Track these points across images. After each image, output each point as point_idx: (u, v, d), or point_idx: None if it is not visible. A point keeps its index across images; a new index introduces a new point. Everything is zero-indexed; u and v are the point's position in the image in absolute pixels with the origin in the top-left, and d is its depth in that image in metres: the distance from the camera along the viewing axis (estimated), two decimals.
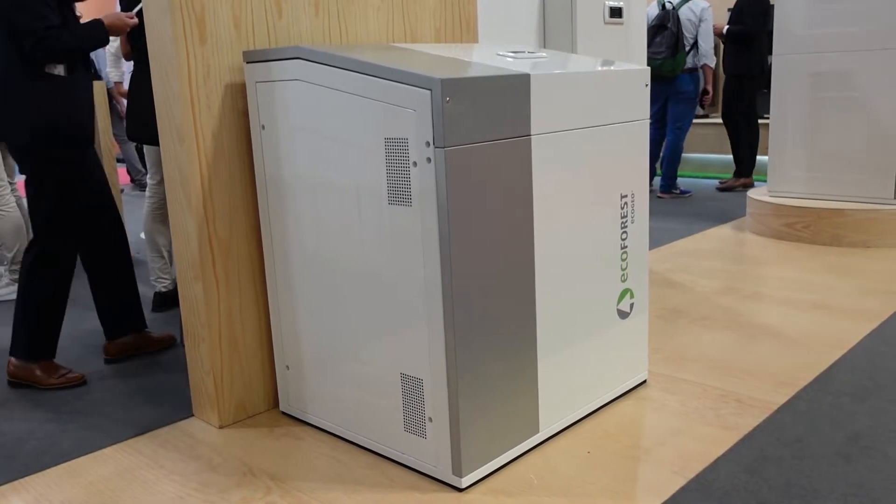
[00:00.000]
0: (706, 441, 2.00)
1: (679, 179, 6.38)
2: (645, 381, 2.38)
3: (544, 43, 3.09)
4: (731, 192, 5.97)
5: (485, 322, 1.79)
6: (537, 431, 1.99)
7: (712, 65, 5.81)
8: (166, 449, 2.10)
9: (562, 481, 1.84)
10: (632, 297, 2.25)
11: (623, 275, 2.20)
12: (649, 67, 2.21)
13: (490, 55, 2.07)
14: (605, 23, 3.10)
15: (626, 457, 1.94)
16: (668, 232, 4.59)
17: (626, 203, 2.17)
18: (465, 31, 2.74)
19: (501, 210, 1.79)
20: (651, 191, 5.90)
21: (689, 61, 5.73)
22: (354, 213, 1.88)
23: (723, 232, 4.52)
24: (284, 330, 2.19)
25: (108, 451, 2.11)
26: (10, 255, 3.83)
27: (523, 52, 2.18)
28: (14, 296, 3.85)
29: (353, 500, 1.79)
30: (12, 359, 2.60)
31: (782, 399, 2.22)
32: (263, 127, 2.07)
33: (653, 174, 5.99)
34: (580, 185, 2.00)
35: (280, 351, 2.23)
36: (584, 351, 2.10)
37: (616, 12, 3.11)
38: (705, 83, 5.92)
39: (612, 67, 2.09)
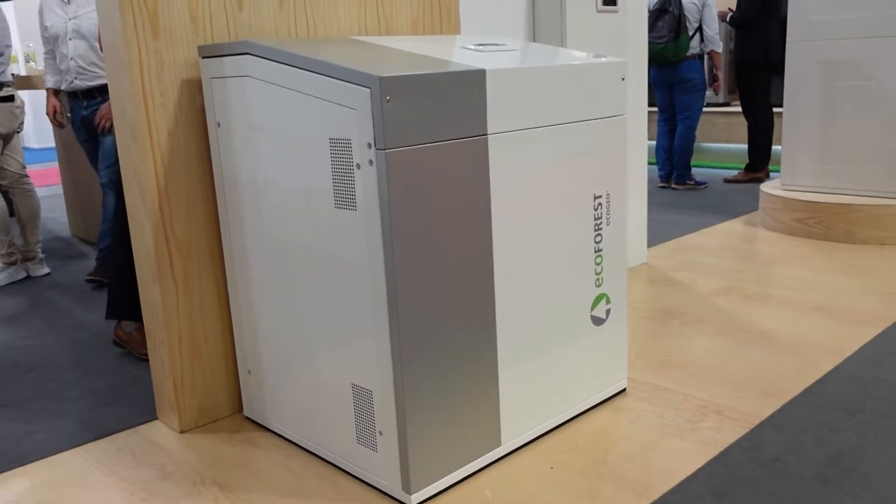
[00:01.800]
0: (678, 457, 1.89)
1: (695, 170, 6.20)
2: (624, 390, 2.27)
3: (533, 34, 2.97)
4: (745, 185, 5.78)
5: (437, 332, 1.70)
6: (499, 445, 1.90)
7: (719, 50, 5.62)
8: (123, 454, 2.06)
9: (519, 498, 1.75)
10: (608, 302, 2.15)
11: (598, 279, 2.10)
12: (626, 61, 2.08)
13: (455, 49, 1.97)
14: (598, 10, 2.96)
15: (591, 473, 1.84)
16: (676, 225, 4.44)
17: (599, 204, 2.06)
18: (446, 21, 2.63)
19: (454, 214, 1.69)
20: (663, 186, 5.73)
21: (696, 47, 5.55)
22: (304, 217, 1.80)
23: (733, 227, 4.36)
24: (245, 334, 2.13)
25: (65, 455, 2.07)
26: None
27: (494, 45, 2.07)
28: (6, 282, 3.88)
29: None
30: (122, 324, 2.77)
31: (766, 412, 2.10)
32: (219, 125, 2.00)
33: (667, 165, 5.81)
34: (546, 185, 1.90)
35: (242, 355, 2.17)
36: (554, 360, 2.00)
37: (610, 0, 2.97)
38: (715, 69, 5.74)
39: (585, 61, 1.98)
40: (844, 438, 1.94)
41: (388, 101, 1.53)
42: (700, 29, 5.55)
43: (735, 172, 6.11)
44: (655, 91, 5.87)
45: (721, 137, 7.63)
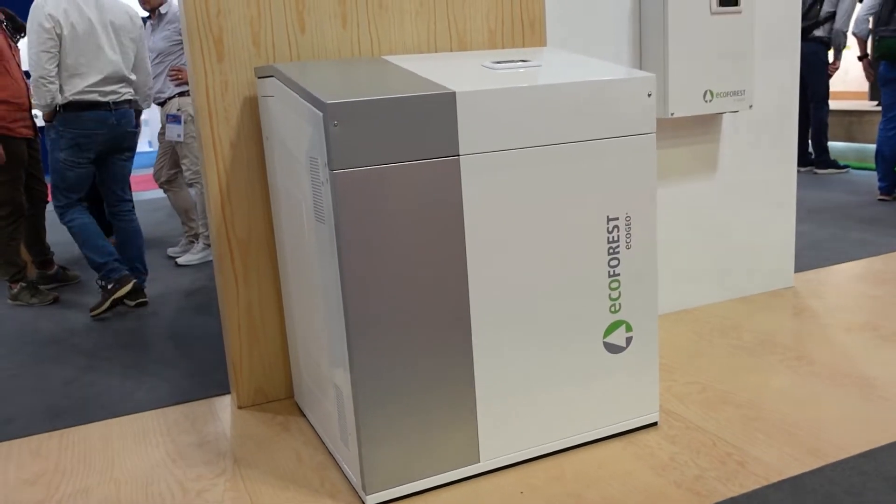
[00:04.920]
0: None
1: None
2: (655, 424, 2.13)
3: (640, 45, 2.81)
4: None
5: (395, 346, 1.77)
6: (477, 461, 1.92)
7: None
8: (186, 420, 2.39)
9: None
10: (628, 330, 2.03)
11: (613, 305, 2.00)
12: (652, 76, 1.94)
13: (464, 68, 1.99)
14: (714, 12, 2.72)
15: None
16: (869, 247, 3.90)
17: (615, 227, 1.96)
18: (529, 32, 2.62)
19: (421, 232, 1.74)
20: (883, 199, 4.99)
21: None
22: (302, 227, 1.96)
23: None
24: (289, 326, 2.35)
25: (145, 414, 2.46)
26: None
27: (517, 62, 2.05)
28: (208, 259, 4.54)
29: (273, 498, 1.90)
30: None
31: (795, 470, 1.86)
32: (267, 138, 2.23)
33: (892, 176, 5.05)
34: (539, 206, 1.86)
35: (291, 344, 2.39)
36: (550, 384, 1.95)
37: None
38: None
39: (598, 78, 1.89)
40: None
41: (335, 125, 1.63)
42: None
43: None
44: (884, 89, 5.15)
45: None
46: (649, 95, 1.94)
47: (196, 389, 2.63)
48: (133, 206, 3.85)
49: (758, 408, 2.20)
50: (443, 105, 1.72)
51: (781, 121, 3.15)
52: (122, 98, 3.61)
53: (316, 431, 2.23)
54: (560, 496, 1.82)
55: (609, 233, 1.96)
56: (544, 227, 1.88)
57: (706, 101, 2.80)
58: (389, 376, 1.78)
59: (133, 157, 3.84)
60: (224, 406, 2.48)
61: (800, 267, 3.58)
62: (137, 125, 3.80)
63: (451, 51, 2.50)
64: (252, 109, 2.31)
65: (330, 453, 2.10)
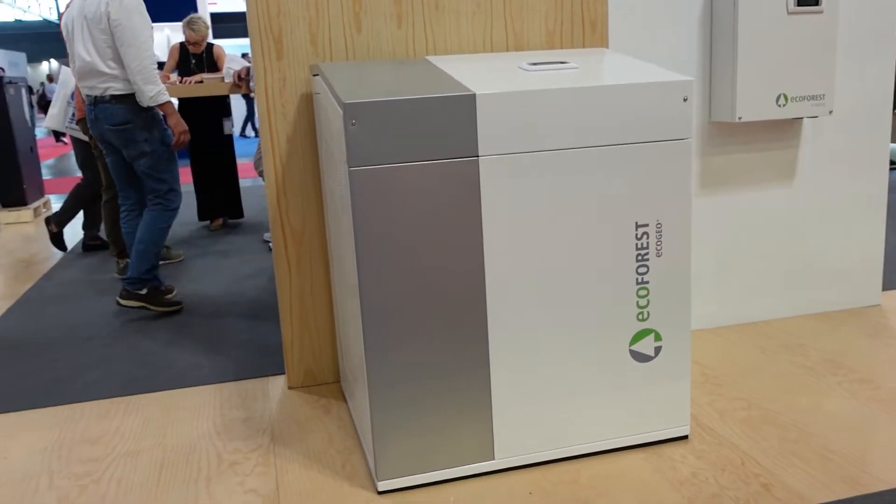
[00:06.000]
0: None
1: None
2: (686, 437, 2.08)
3: (710, 45, 2.70)
4: None
5: (409, 339, 1.82)
6: (491, 459, 1.94)
7: None
8: (239, 396, 2.54)
9: None
10: (658, 339, 1.99)
11: (641, 313, 1.96)
12: (690, 80, 1.88)
13: (500, 70, 2.01)
14: (790, 12, 2.58)
15: None
16: None
17: (644, 233, 1.92)
18: (590, 33, 2.59)
19: (437, 230, 1.78)
20: None
21: None
22: (339, 220, 2.05)
23: None
24: (337, 314, 2.45)
25: (204, 388, 2.63)
26: None
27: (555, 63, 2.05)
28: None
29: (297, 476, 2.00)
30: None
31: (820, 498, 1.76)
32: (318, 133, 2.33)
33: None
34: (562, 210, 1.85)
35: (338, 332, 2.49)
36: (569, 388, 1.95)
37: None
38: None
39: (631, 81, 1.86)
40: None
41: (353, 124, 1.70)
42: None
43: None
44: None
45: None
46: (685, 100, 1.89)
47: (257, 368, 2.79)
48: (159, 204, 3.51)
49: (801, 430, 2.10)
50: (463, 106, 1.75)
51: (872, 124, 2.95)
52: (103, 93, 3.34)
53: (351, 416, 2.32)
54: (568, 501, 1.81)
55: (637, 239, 1.92)
56: (567, 230, 1.87)
57: (779, 106, 2.67)
58: (403, 369, 1.83)
59: (142, 153, 3.42)
60: (277, 386, 2.62)
61: (892, 284, 3.34)
62: (128, 121, 3.36)
63: (507, 50, 2.52)
64: (308, 106, 2.42)
65: (359, 438, 2.18)
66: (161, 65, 5.95)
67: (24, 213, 6.53)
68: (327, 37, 2.39)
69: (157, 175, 3.48)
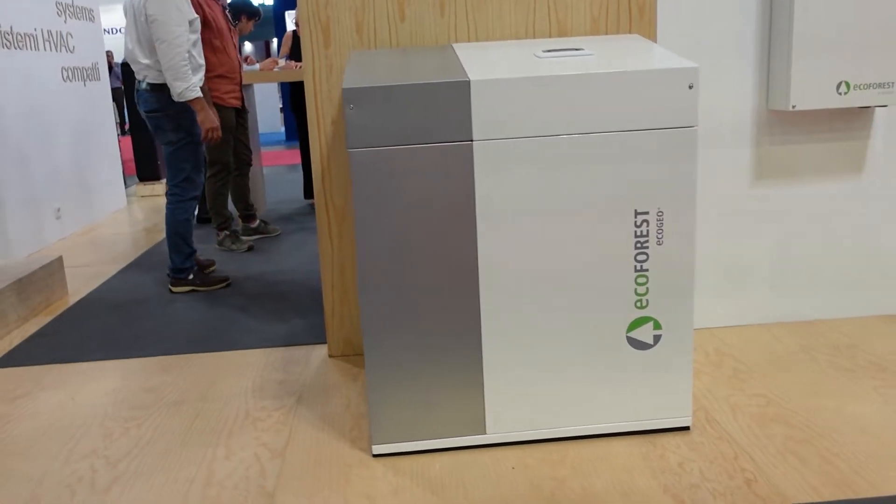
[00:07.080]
0: None
1: None
2: (687, 428, 2.06)
3: (769, 30, 2.59)
4: None
5: (403, 314, 1.92)
6: (483, 433, 2.02)
7: None
8: (282, 361, 2.75)
9: (454, 480, 1.88)
10: (657, 327, 1.98)
11: (640, 301, 1.96)
12: (695, 67, 1.85)
13: (510, 57, 2.06)
14: None
15: (536, 486, 1.84)
16: None
17: (645, 221, 1.92)
18: (637, 19, 2.56)
19: (431, 211, 1.87)
20: None
21: None
22: None
23: None
24: None
25: (252, 352, 2.85)
26: None
27: (569, 50, 2.07)
28: None
29: (307, 434, 2.16)
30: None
31: (804, 498, 1.71)
32: None
33: None
34: (557, 196, 1.89)
35: None
36: (560, 370, 1.98)
37: None
38: None
39: (636, 68, 1.86)
40: None
41: (351, 108, 1.82)
42: None
43: None
44: None
45: None
46: (690, 87, 1.87)
47: (307, 337, 2.99)
48: (174, 195, 3.64)
49: (811, 431, 2.02)
50: (457, 92, 1.83)
51: None
52: (142, 80, 3.49)
53: None
54: (544, 479, 1.87)
55: (637, 227, 1.93)
56: (562, 215, 1.90)
57: (840, 94, 2.54)
58: (398, 342, 1.94)
59: (168, 142, 3.54)
60: (319, 354, 2.80)
61: None
62: (158, 110, 3.49)
63: (550, 37, 2.54)
64: None
65: None
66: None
67: (158, 187, 7.15)
68: (372, 26, 2.51)
69: (176, 164, 3.58)
